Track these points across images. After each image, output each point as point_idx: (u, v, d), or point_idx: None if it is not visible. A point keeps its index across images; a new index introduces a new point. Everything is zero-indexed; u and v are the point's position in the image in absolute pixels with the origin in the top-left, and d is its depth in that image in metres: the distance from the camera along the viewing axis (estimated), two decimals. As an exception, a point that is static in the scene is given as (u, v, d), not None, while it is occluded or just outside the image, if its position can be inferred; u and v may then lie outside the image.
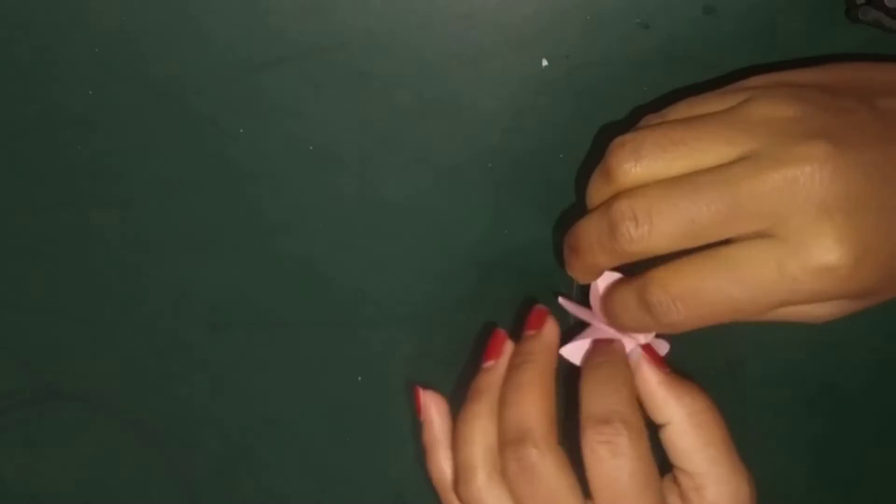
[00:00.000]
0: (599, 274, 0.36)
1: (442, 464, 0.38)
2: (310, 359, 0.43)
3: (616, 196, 0.33)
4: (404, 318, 0.42)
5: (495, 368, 0.37)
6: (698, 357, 0.43)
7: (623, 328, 0.36)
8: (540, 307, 0.39)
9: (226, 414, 0.44)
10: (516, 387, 0.36)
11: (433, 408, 0.38)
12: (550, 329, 0.38)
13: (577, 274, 0.36)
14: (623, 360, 0.36)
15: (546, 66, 0.40)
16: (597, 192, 0.34)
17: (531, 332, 0.38)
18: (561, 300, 0.39)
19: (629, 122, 0.40)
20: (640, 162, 0.32)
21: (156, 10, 0.39)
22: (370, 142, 0.41)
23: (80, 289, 0.43)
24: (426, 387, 0.39)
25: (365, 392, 0.43)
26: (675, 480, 0.35)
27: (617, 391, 0.34)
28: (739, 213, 0.31)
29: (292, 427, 0.44)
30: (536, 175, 0.41)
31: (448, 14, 0.39)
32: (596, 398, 0.34)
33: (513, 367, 0.37)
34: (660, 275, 0.32)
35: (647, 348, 0.36)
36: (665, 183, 0.32)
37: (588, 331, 0.38)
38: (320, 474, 0.45)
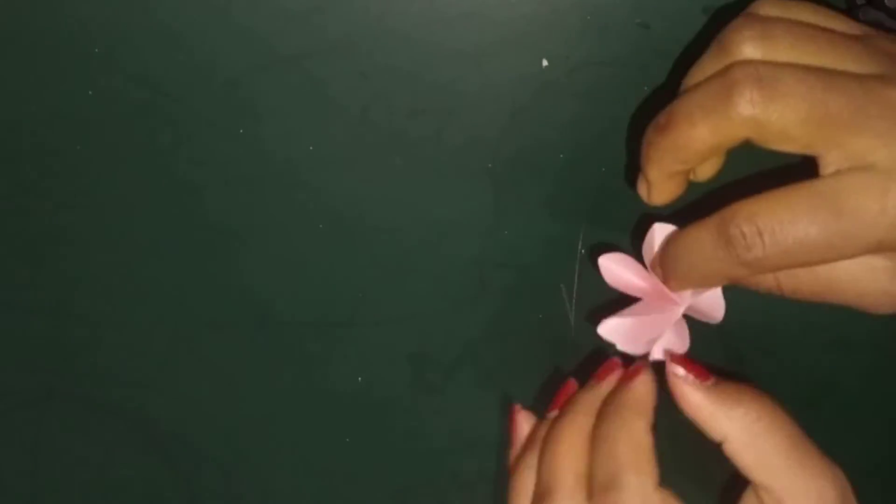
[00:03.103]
0: (685, 167, 0.32)
1: (526, 482, 0.34)
2: (310, 359, 0.43)
3: (734, 63, 0.28)
4: (404, 318, 0.42)
5: (599, 388, 0.34)
6: (698, 357, 0.43)
7: (687, 276, 0.32)
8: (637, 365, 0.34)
9: (226, 414, 0.44)
10: (607, 434, 0.32)
11: (525, 426, 0.36)
12: (645, 385, 0.33)
13: (654, 168, 0.32)
14: (633, 401, 0.32)
15: (546, 66, 0.40)
16: (703, 70, 0.30)
17: (633, 384, 0.33)
18: (603, 260, 0.35)
19: (630, 122, 0.40)
20: (768, 41, 0.29)
21: (156, 10, 0.39)
22: (370, 141, 0.41)
23: (80, 289, 0.43)
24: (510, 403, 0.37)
25: (365, 392, 0.43)
26: (756, 494, 0.31)
27: (621, 445, 0.31)
28: (866, 117, 0.28)
29: (293, 427, 0.44)
30: (536, 175, 0.41)
31: (448, 14, 0.39)
32: (599, 459, 0.32)
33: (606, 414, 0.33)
34: (746, 205, 0.29)
35: (678, 360, 0.32)
36: (796, 66, 0.28)
37: (633, 307, 0.35)
38: (320, 474, 0.45)
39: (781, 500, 0.30)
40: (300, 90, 0.40)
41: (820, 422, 0.42)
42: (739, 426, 0.30)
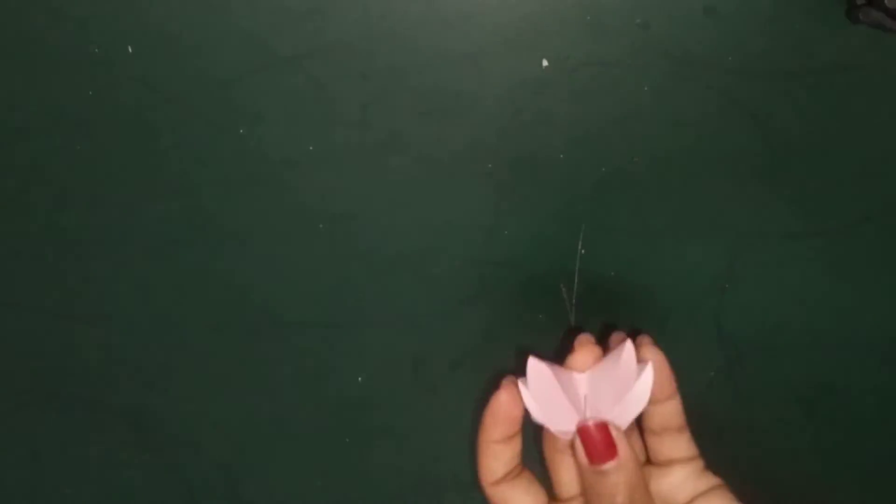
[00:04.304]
0: None
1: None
2: (310, 359, 0.43)
3: None
4: (404, 318, 0.42)
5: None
6: (698, 357, 0.43)
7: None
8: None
9: (226, 414, 0.44)
10: None
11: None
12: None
13: None
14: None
15: (546, 66, 0.40)
16: None
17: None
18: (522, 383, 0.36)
19: (630, 122, 0.40)
20: None
21: (155, 11, 0.39)
22: (370, 142, 0.41)
23: (80, 289, 0.43)
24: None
25: (365, 392, 0.43)
26: None
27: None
28: None
29: (292, 427, 0.44)
30: (536, 175, 0.41)
31: (448, 14, 0.39)
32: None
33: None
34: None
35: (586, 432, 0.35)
36: None
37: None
38: (320, 474, 0.45)
39: None
40: (300, 90, 0.40)
41: (820, 422, 0.42)
42: None
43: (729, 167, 0.41)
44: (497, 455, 0.36)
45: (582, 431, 0.34)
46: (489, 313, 0.42)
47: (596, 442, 0.34)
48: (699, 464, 0.38)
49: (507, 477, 0.37)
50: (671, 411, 0.37)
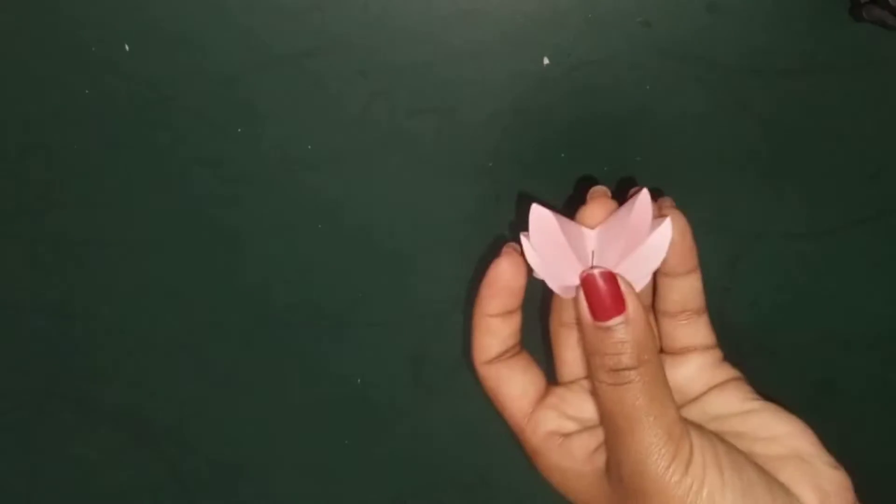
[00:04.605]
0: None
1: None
2: (310, 359, 0.43)
3: None
4: (404, 318, 0.42)
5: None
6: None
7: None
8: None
9: (226, 414, 0.44)
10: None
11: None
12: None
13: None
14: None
15: (547, 65, 0.40)
16: None
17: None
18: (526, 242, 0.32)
19: (631, 121, 0.40)
20: None
21: (154, 10, 0.39)
22: (370, 142, 0.40)
23: (80, 289, 0.43)
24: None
25: (365, 392, 0.43)
26: None
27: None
28: None
29: (292, 427, 0.44)
30: (536, 175, 0.41)
31: (448, 13, 0.39)
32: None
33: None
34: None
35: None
36: None
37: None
38: (320, 474, 0.45)
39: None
40: (300, 89, 0.40)
41: (820, 422, 0.42)
42: None
43: (731, 166, 0.41)
44: (493, 330, 0.33)
45: (586, 281, 0.30)
46: (489, 312, 0.42)
47: (601, 294, 0.30)
48: (717, 354, 0.35)
49: (503, 356, 0.34)
50: (691, 287, 0.33)
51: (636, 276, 0.31)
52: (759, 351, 0.42)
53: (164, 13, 0.39)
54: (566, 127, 0.40)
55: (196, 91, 0.40)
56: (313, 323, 0.43)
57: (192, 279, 0.42)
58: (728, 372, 0.35)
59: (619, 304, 0.29)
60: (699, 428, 0.32)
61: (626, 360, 0.29)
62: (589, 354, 0.31)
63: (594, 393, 0.32)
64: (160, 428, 0.44)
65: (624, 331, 0.29)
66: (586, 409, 0.34)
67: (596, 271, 0.30)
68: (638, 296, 0.30)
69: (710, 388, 0.34)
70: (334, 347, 0.43)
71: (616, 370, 0.29)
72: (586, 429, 0.33)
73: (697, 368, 0.34)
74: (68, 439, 0.44)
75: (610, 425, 0.31)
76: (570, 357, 0.34)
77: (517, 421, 0.33)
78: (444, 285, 0.42)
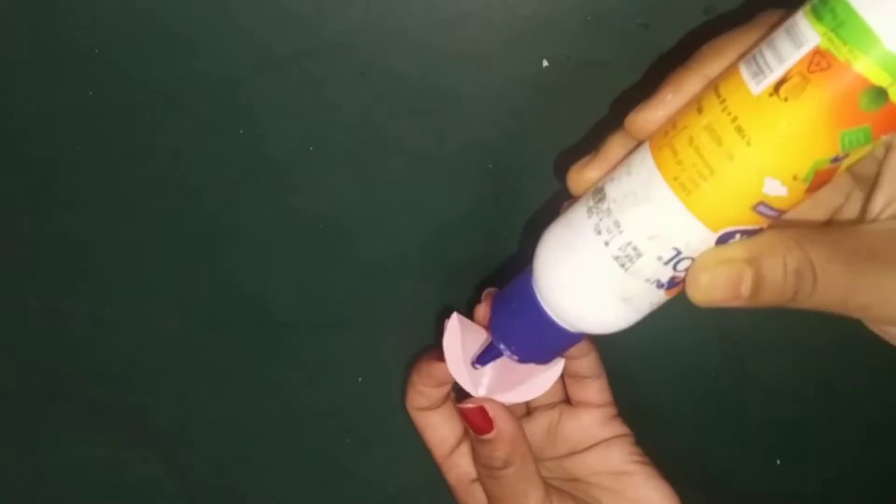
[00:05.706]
0: None
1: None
2: (310, 359, 0.43)
3: None
4: (404, 318, 0.42)
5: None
6: (698, 357, 0.43)
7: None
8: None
9: (226, 414, 0.44)
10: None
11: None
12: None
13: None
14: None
15: (546, 67, 0.40)
16: None
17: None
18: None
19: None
20: None
21: (155, 11, 0.39)
22: (370, 142, 0.41)
23: (80, 289, 0.43)
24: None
25: (365, 392, 0.43)
26: None
27: None
28: None
29: (292, 427, 0.44)
30: (536, 175, 0.41)
31: (448, 15, 0.39)
32: None
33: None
34: None
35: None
36: None
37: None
38: (320, 474, 0.45)
39: None
40: (300, 91, 0.40)
41: (820, 422, 0.42)
42: None
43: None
44: (425, 393, 0.38)
45: (461, 410, 0.36)
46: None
47: (474, 419, 0.36)
48: (610, 411, 0.40)
49: (431, 407, 0.39)
50: (588, 363, 0.39)
51: (522, 392, 0.37)
52: (760, 351, 0.42)
53: (166, 15, 0.39)
54: (565, 127, 0.40)
55: (197, 93, 0.40)
56: (313, 323, 0.43)
57: (193, 279, 0.42)
58: (616, 429, 0.39)
59: (487, 426, 0.36)
60: None
61: (496, 462, 0.36)
62: (472, 451, 0.38)
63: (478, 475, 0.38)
64: (160, 428, 0.44)
65: (493, 443, 0.36)
66: None
67: (469, 404, 0.36)
68: (509, 411, 0.36)
69: (598, 443, 0.39)
70: (334, 348, 0.43)
71: (489, 468, 0.37)
72: None
73: (589, 423, 0.40)
74: (69, 439, 0.44)
75: (489, 499, 0.38)
76: (437, 437, 0.39)
77: (437, 460, 0.39)
78: (444, 285, 0.42)
